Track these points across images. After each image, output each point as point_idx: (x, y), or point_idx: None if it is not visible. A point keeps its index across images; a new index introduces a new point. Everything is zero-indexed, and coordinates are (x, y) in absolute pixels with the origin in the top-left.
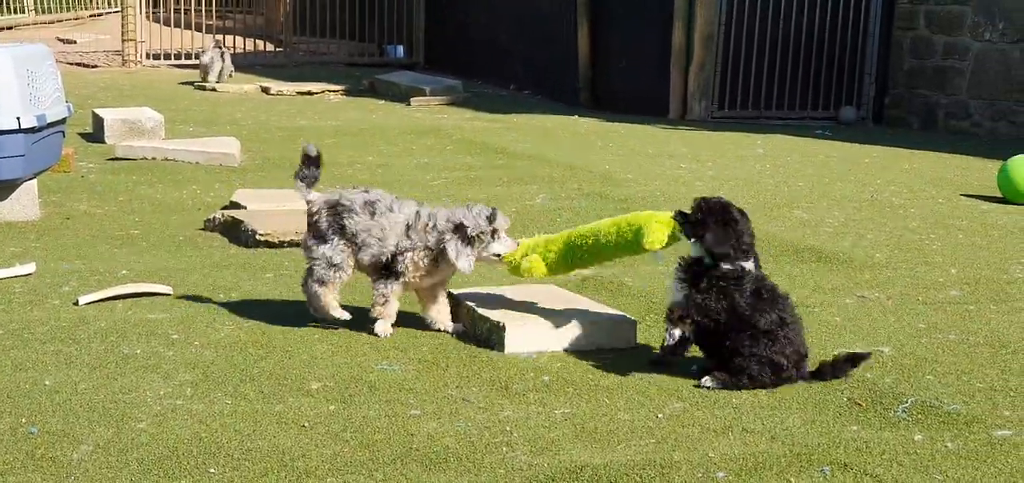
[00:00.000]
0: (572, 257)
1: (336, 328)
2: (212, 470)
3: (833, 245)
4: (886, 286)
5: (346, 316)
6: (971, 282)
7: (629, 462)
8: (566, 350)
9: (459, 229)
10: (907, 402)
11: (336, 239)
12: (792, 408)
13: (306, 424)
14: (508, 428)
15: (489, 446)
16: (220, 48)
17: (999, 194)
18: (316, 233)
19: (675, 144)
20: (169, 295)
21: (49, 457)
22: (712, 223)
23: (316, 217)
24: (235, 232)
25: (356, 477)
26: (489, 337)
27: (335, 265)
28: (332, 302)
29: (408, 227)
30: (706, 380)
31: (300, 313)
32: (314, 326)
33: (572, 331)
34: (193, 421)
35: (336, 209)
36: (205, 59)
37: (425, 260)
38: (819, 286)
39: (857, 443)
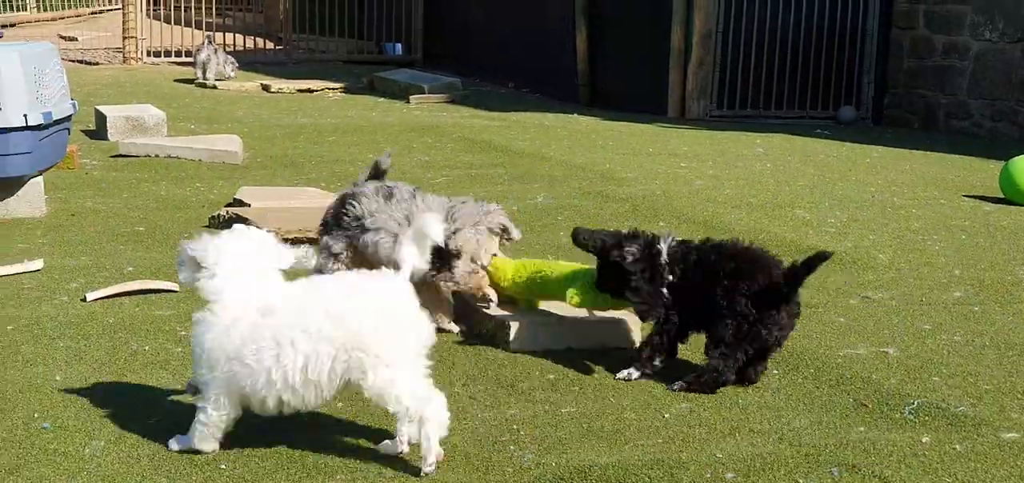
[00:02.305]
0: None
1: None
2: (223, 466)
3: (836, 245)
4: (890, 287)
5: None
6: (975, 283)
7: (637, 462)
8: (571, 348)
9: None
10: (914, 403)
11: (336, 229)
12: (799, 409)
13: (314, 421)
14: (515, 427)
15: (496, 444)
16: (213, 45)
17: (1001, 195)
18: (322, 223)
19: (675, 143)
20: (175, 292)
21: (62, 452)
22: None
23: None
24: None
25: (365, 474)
26: (494, 335)
27: (334, 254)
28: None
29: (450, 211)
30: None
31: None
32: None
33: (576, 330)
34: None
35: (343, 202)
36: (201, 57)
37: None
38: (823, 286)
39: (864, 444)
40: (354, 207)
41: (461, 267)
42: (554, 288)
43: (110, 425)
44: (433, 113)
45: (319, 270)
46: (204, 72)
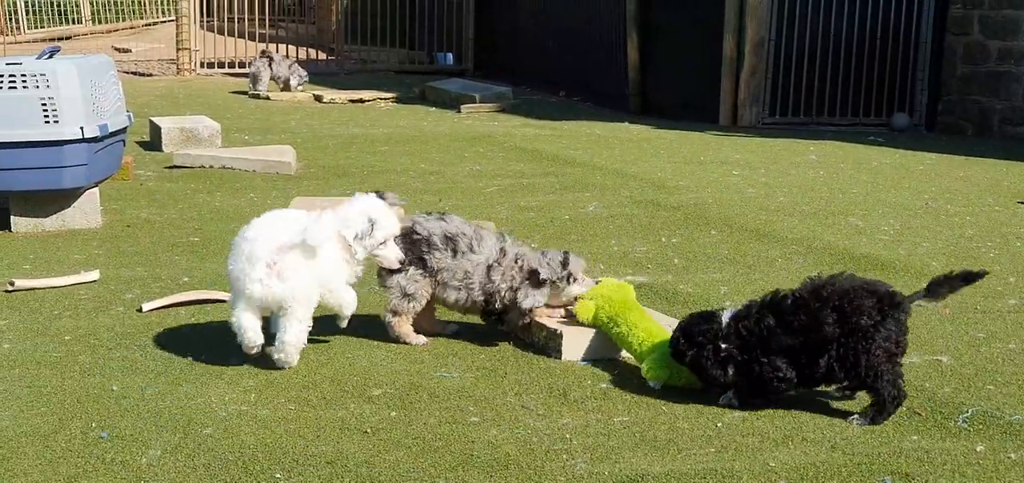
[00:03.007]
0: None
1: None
2: (278, 475)
3: (889, 253)
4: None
5: (423, 341)
6: None
7: (690, 470)
8: (623, 358)
9: (532, 276)
10: (968, 412)
11: (412, 269)
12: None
13: (368, 430)
14: (567, 436)
15: (549, 453)
16: (268, 57)
17: None
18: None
19: (727, 151)
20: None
21: (119, 461)
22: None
23: None
24: None
25: None
26: (546, 345)
27: (409, 295)
28: (406, 330)
29: (489, 269)
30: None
31: (358, 320)
32: (371, 334)
33: None
34: (258, 426)
35: (411, 239)
36: (252, 69)
37: (509, 296)
38: None
39: (918, 453)
40: (431, 257)
41: (512, 317)
42: (628, 348)
43: (166, 434)
44: (484, 122)
45: (394, 311)
46: (255, 84)
